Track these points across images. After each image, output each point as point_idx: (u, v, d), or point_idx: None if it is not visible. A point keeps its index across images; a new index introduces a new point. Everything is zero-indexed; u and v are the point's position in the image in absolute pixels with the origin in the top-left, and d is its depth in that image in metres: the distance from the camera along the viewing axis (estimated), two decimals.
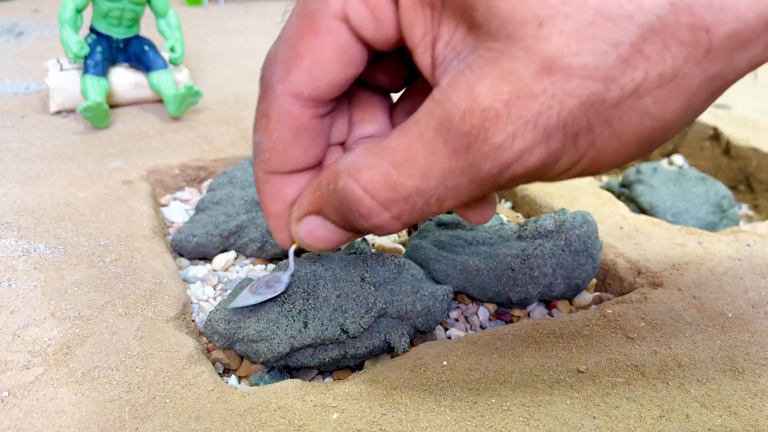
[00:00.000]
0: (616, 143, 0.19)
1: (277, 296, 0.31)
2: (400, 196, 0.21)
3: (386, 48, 0.21)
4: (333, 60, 0.21)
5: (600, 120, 0.18)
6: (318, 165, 0.25)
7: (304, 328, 0.30)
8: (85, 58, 0.57)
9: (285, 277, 0.30)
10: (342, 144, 0.26)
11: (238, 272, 0.40)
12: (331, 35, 0.21)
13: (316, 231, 0.25)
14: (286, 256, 0.39)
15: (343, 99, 0.25)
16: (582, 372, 0.29)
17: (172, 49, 0.61)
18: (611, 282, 0.39)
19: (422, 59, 0.20)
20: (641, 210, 0.49)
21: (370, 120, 0.26)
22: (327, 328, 0.30)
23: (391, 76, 0.26)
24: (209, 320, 0.31)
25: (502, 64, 0.18)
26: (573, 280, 0.36)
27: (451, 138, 0.19)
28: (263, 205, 0.25)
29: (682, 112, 0.18)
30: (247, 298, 0.30)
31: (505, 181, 0.20)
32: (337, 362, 0.31)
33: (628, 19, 0.17)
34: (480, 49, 0.18)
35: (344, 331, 0.30)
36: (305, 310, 0.30)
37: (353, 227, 0.23)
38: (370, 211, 0.21)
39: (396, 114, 0.27)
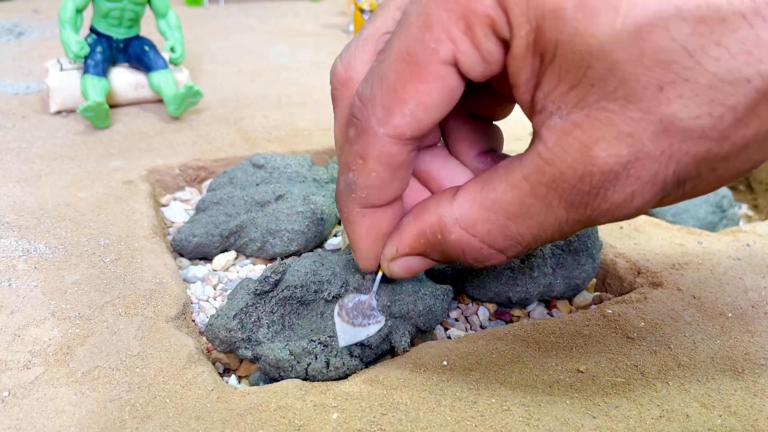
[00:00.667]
0: (716, 182, 0.21)
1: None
2: (517, 243, 0.22)
3: (484, 80, 0.22)
4: (438, 102, 0.21)
5: (708, 168, 0.20)
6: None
7: (326, 368, 0.29)
8: (86, 58, 0.57)
9: (375, 303, 0.30)
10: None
11: (238, 272, 0.40)
12: (440, 80, 0.21)
13: (413, 267, 0.26)
14: (284, 257, 0.39)
15: None
16: (582, 372, 0.29)
17: (172, 50, 0.61)
18: (611, 282, 0.39)
19: (523, 98, 0.21)
20: None
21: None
22: (347, 366, 0.29)
23: (481, 102, 0.27)
24: (210, 325, 0.31)
25: (618, 125, 0.18)
26: (573, 280, 0.36)
27: (567, 196, 0.20)
28: (357, 236, 0.26)
29: None
30: (354, 334, 0.29)
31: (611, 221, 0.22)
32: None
33: (746, 84, 0.18)
34: (589, 108, 0.19)
35: (362, 360, 0.30)
36: (329, 344, 0.29)
37: (456, 261, 0.25)
38: (488, 256, 0.23)
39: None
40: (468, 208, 0.23)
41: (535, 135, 0.21)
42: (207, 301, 0.37)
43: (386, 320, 0.30)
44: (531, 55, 0.20)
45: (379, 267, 0.27)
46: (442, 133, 0.28)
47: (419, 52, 0.20)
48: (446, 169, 0.27)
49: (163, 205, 0.47)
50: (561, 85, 0.19)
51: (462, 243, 0.23)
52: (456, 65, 0.21)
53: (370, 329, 0.29)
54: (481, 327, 0.36)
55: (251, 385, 0.31)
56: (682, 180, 0.20)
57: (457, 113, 0.27)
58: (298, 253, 0.40)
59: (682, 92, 0.18)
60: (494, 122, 0.28)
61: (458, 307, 0.37)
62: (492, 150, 0.28)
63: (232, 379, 0.31)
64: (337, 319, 0.30)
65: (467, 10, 0.19)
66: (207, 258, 0.41)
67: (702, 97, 0.18)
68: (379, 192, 0.24)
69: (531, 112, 0.21)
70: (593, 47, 0.18)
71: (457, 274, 0.36)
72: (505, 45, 0.20)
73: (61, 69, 0.60)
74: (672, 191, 0.20)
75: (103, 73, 0.58)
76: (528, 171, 0.21)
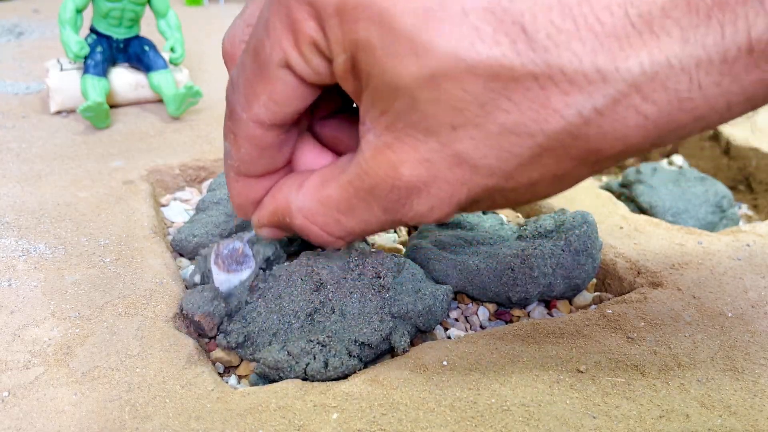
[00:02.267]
0: (510, 204, 0.24)
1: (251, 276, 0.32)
2: (349, 233, 0.26)
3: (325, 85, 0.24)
4: (286, 99, 0.24)
5: (500, 195, 0.22)
6: (287, 164, 0.28)
7: (325, 368, 0.29)
8: (86, 58, 0.57)
9: (248, 249, 0.32)
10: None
11: None
12: (280, 81, 0.23)
13: (275, 234, 0.29)
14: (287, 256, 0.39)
15: None
16: (582, 372, 0.29)
17: (172, 50, 0.61)
18: (611, 282, 0.39)
19: (355, 102, 0.23)
20: (641, 210, 0.49)
21: (327, 103, 0.29)
22: (346, 366, 0.29)
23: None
24: (185, 307, 0.32)
25: (420, 151, 0.21)
26: (573, 280, 0.36)
27: (382, 202, 0.23)
28: (232, 195, 0.29)
29: (567, 189, 0.23)
30: (228, 279, 0.31)
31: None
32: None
33: (530, 138, 0.19)
34: (397, 132, 0.21)
35: (361, 360, 0.30)
36: (327, 344, 0.30)
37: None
38: (327, 241, 0.26)
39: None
40: (309, 200, 0.26)
41: (359, 143, 0.23)
42: None
43: (256, 266, 0.32)
44: (351, 77, 0.21)
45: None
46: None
47: (261, 52, 0.23)
48: (355, 133, 0.28)
49: (163, 205, 0.47)
50: (374, 108, 0.21)
51: (304, 229, 0.26)
52: (290, 69, 0.23)
53: (243, 274, 0.32)
54: (481, 327, 0.36)
55: (251, 385, 0.31)
56: (476, 200, 0.22)
57: None
58: (298, 253, 0.40)
59: (473, 135, 0.20)
60: None
61: (458, 307, 0.37)
62: None
63: (232, 379, 0.31)
64: (213, 266, 0.32)
65: (295, 27, 0.21)
66: None
67: (491, 142, 0.20)
68: (249, 165, 0.27)
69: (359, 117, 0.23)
70: (398, 85, 0.20)
71: (457, 275, 0.36)
72: (328, 60, 0.22)
73: (61, 69, 0.60)
74: (469, 207, 0.23)
75: (103, 73, 0.58)
76: (352, 177, 0.23)
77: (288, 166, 0.28)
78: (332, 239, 0.26)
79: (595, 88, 0.18)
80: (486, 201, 0.23)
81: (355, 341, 0.30)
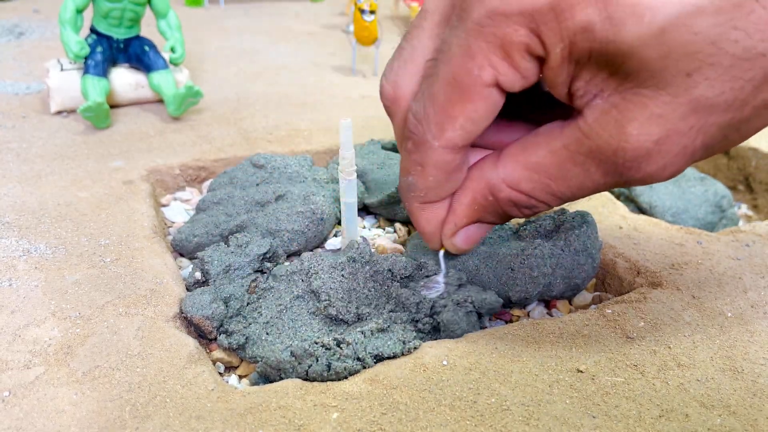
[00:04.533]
0: (740, 140, 0.23)
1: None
2: (559, 197, 0.26)
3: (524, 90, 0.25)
4: (484, 116, 0.25)
5: (733, 130, 0.22)
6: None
7: (327, 370, 0.29)
8: (86, 58, 0.57)
9: (441, 278, 0.33)
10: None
11: None
12: (484, 99, 0.24)
13: (472, 236, 0.30)
14: (288, 256, 0.39)
15: None
16: (582, 372, 0.29)
17: (172, 50, 0.61)
18: (611, 282, 0.39)
19: (561, 93, 0.24)
20: (641, 210, 0.49)
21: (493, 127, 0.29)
22: (348, 371, 0.29)
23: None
24: (185, 309, 0.32)
25: (651, 107, 0.21)
26: (572, 279, 0.36)
27: (604, 165, 0.23)
28: (420, 226, 0.30)
29: None
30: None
31: None
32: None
33: (761, 58, 0.20)
34: (626, 92, 0.21)
35: (376, 356, 0.30)
36: (331, 347, 0.30)
37: (509, 218, 0.28)
38: (536, 206, 0.26)
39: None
40: (512, 168, 0.26)
41: (577, 112, 0.23)
42: None
43: (444, 287, 0.33)
44: (567, 63, 0.22)
45: (441, 248, 0.31)
46: None
47: (464, 77, 0.23)
48: (514, 133, 0.29)
49: (163, 205, 0.47)
50: (599, 74, 0.22)
51: (512, 198, 0.27)
52: (497, 85, 0.23)
53: (430, 295, 0.33)
54: (481, 327, 0.36)
55: (251, 384, 0.31)
56: (709, 146, 0.22)
57: None
58: (298, 253, 0.40)
59: (707, 75, 0.20)
60: None
61: None
62: (542, 96, 0.30)
63: (232, 379, 0.31)
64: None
65: (504, 41, 0.22)
66: None
67: (725, 76, 0.20)
68: (436, 191, 0.28)
69: (570, 99, 0.24)
70: (624, 50, 0.20)
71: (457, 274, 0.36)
72: (541, 60, 0.23)
73: (62, 69, 0.60)
74: (701, 156, 0.23)
75: (104, 73, 0.58)
76: (568, 141, 0.24)
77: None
78: (540, 203, 0.26)
79: None
80: (719, 143, 0.23)
81: (364, 348, 0.30)
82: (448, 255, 0.33)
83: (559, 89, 0.24)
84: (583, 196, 0.26)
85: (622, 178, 0.23)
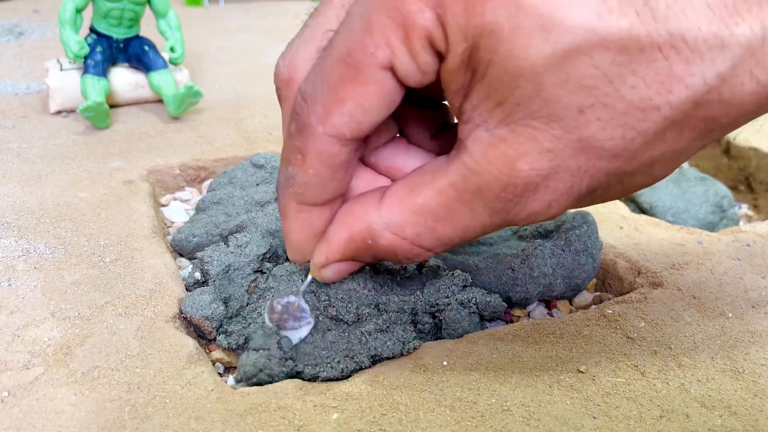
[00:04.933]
0: (621, 193, 0.23)
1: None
2: (443, 243, 0.24)
3: (421, 87, 0.23)
4: (376, 105, 0.22)
5: (616, 181, 0.22)
6: (342, 195, 0.26)
7: (315, 379, 0.29)
8: (85, 58, 0.57)
9: (304, 304, 0.30)
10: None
11: None
12: (377, 84, 0.21)
13: (343, 271, 0.27)
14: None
15: None
16: (582, 372, 0.29)
17: (172, 50, 0.61)
18: (611, 282, 0.39)
19: (453, 104, 0.22)
20: (641, 210, 0.49)
21: (383, 131, 0.27)
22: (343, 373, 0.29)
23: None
24: (184, 310, 0.32)
25: (541, 141, 0.20)
26: (573, 279, 0.36)
27: (491, 203, 0.22)
28: (289, 231, 0.27)
29: (675, 168, 0.23)
30: (290, 336, 0.29)
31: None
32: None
33: (656, 112, 0.19)
34: (514, 124, 0.20)
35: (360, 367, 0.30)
36: (328, 358, 0.30)
37: (385, 261, 0.27)
38: (418, 255, 0.25)
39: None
40: (397, 213, 0.24)
41: (461, 143, 0.22)
42: None
43: (315, 321, 0.30)
44: (463, 70, 0.20)
45: (308, 269, 0.28)
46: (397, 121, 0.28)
47: (358, 54, 0.21)
48: (411, 160, 0.27)
49: (163, 205, 0.47)
50: (488, 100, 0.20)
51: (394, 245, 0.24)
52: (392, 70, 0.21)
53: (302, 332, 0.29)
54: (482, 327, 0.36)
55: (239, 380, 0.31)
56: (593, 190, 0.22)
57: (406, 100, 0.28)
58: None
59: (600, 116, 0.19)
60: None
61: None
62: (447, 125, 0.28)
63: (232, 379, 0.31)
64: (267, 323, 0.30)
65: (407, 21, 0.20)
66: None
67: (617, 121, 0.20)
68: (316, 190, 0.25)
69: (458, 118, 0.22)
70: (524, 69, 0.19)
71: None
72: (440, 57, 0.21)
73: (61, 69, 0.60)
74: (584, 199, 0.23)
75: (103, 73, 0.58)
76: (454, 179, 0.22)
77: (341, 198, 0.26)
78: (424, 252, 0.24)
79: (715, 54, 0.19)
80: (601, 190, 0.22)
81: (367, 351, 0.30)
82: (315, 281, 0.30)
83: (453, 100, 0.22)
84: (468, 241, 0.24)
85: (508, 216, 0.22)
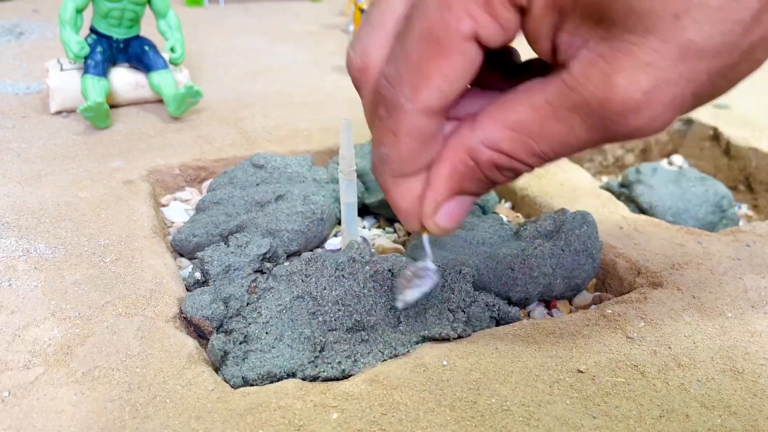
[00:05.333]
0: (727, 87, 0.23)
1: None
2: (540, 157, 0.24)
3: (503, 46, 0.23)
4: (461, 75, 0.23)
5: (720, 77, 0.21)
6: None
7: (316, 379, 0.29)
8: (86, 58, 0.57)
9: (429, 264, 0.31)
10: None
11: None
12: (462, 55, 0.22)
13: (454, 212, 0.27)
14: (287, 256, 0.39)
15: None
16: (582, 372, 0.29)
17: (172, 50, 0.61)
18: (611, 282, 0.39)
19: (543, 48, 0.23)
20: (641, 210, 0.49)
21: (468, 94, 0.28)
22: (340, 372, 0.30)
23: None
24: (185, 310, 0.32)
25: (639, 55, 0.20)
26: (573, 280, 0.36)
27: (589, 119, 0.22)
28: (395, 203, 0.27)
29: None
30: (411, 294, 0.31)
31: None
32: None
33: None
34: (613, 40, 0.20)
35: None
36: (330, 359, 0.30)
37: (493, 186, 0.27)
38: (518, 168, 0.25)
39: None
40: (491, 129, 0.24)
41: (559, 67, 0.22)
42: None
43: (440, 275, 0.31)
44: (550, 13, 0.21)
45: (423, 230, 0.28)
46: None
47: (440, 30, 0.22)
48: (490, 101, 0.28)
49: (163, 205, 0.47)
50: (584, 24, 0.21)
51: (494, 159, 0.25)
52: (476, 39, 0.22)
53: (424, 287, 0.31)
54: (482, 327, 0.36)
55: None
56: (698, 95, 0.22)
57: None
58: (298, 253, 0.40)
59: (695, 17, 0.19)
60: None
61: None
62: (515, 67, 0.29)
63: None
64: (397, 286, 0.31)
65: None
66: None
67: (714, 17, 0.20)
68: (411, 162, 0.26)
69: (553, 54, 0.23)
70: None
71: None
72: (522, 11, 0.22)
73: (61, 69, 0.60)
74: (689, 107, 0.22)
75: (103, 73, 0.58)
76: (551, 95, 0.22)
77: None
78: (522, 166, 0.25)
79: None
80: (708, 92, 0.22)
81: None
82: (432, 239, 0.31)
83: (542, 44, 0.22)
84: (567, 155, 0.24)
85: (608, 132, 0.22)
